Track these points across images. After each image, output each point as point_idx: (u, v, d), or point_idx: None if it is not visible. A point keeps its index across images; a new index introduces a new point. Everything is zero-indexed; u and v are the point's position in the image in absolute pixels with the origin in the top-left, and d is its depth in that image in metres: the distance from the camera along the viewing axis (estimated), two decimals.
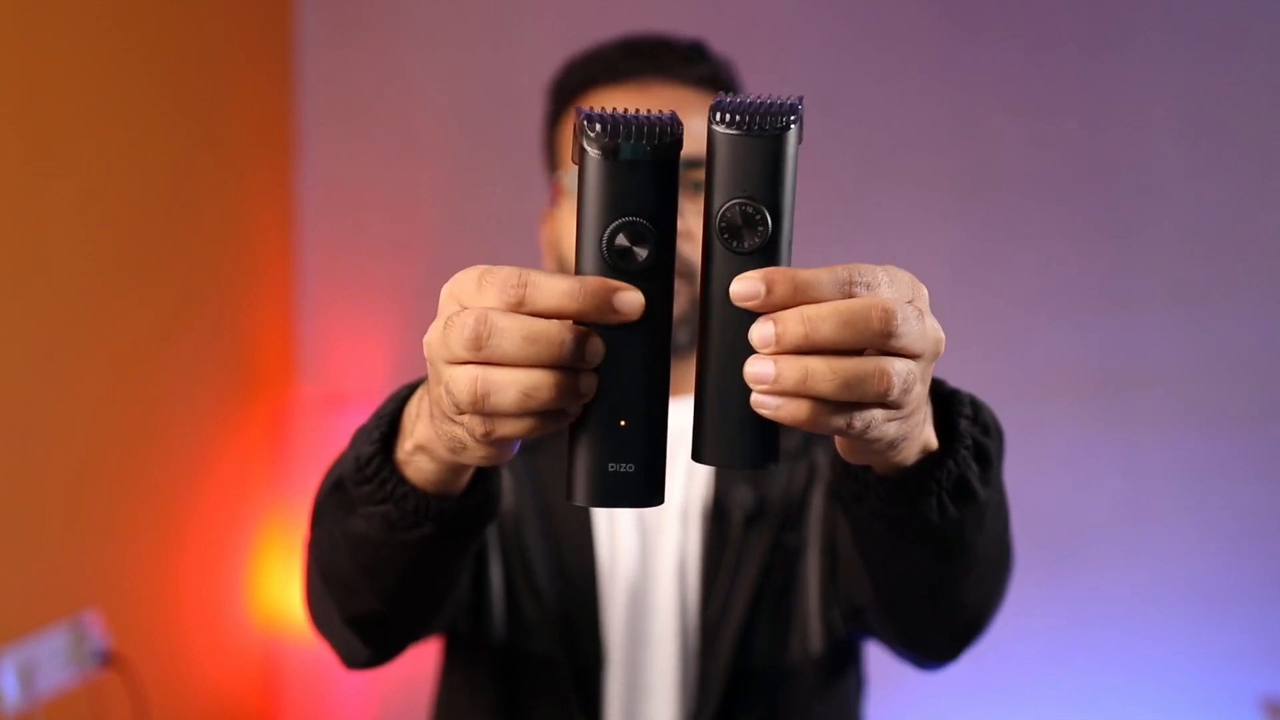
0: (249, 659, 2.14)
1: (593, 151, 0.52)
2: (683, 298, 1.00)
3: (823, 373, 0.51)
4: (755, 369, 0.52)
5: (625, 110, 0.53)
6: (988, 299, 2.10)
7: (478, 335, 0.51)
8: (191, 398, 1.96)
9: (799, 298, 0.51)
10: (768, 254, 0.53)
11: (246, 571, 2.11)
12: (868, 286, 0.52)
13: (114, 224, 1.75)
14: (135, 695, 1.69)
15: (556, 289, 0.51)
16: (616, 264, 0.52)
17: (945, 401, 0.67)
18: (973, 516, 0.67)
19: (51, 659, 1.56)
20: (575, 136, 0.53)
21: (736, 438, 0.54)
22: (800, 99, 0.53)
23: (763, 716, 0.99)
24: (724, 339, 0.53)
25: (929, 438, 0.64)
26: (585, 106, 0.53)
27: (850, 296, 0.52)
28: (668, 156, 0.52)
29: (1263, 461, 2.05)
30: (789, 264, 0.53)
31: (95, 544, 1.71)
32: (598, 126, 0.51)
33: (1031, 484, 1.97)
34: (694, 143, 1.01)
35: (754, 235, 0.52)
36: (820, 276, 0.51)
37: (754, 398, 0.52)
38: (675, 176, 0.52)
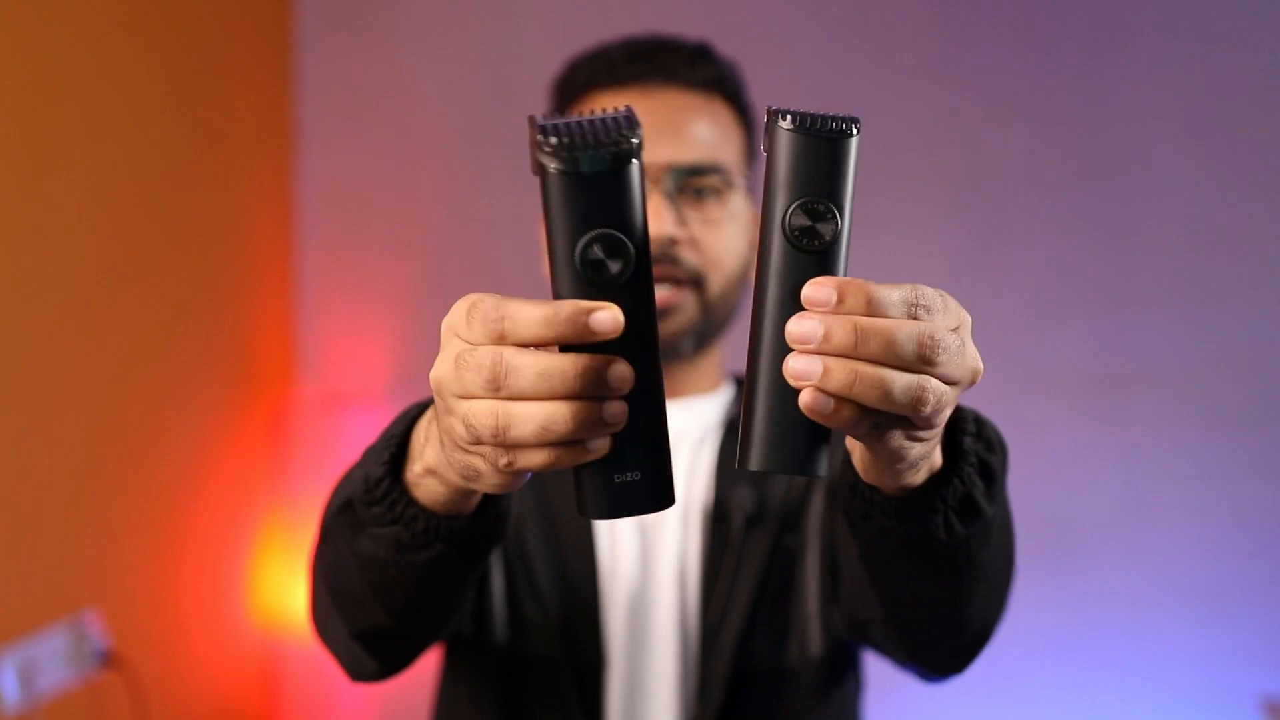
0: (249, 659, 2.14)
1: (551, 166, 0.50)
2: (689, 307, 1.00)
3: (870, 379, 0.51)
4: (801, 365, 0.52)
5: (580, 116, 0.51)
6: (987, 299, 2.10)
7: (495, 376, 0.51)
8: (191, 398, 1.96)
9: (869, 311, 0.52)
10: (833, 253, 0.53)
11: (246, 571, 2.11)
12: (928, 311, 0.53)
13: (114, 224, 1.75)
14: (135, 695, 1.69)
15: (534, 318, 0.51)
16: (592, 278, 0.51)
17: (949, 419, 0.67)
18: (979, 533, 0.67)
19: (51, 659, 1.56)
20: (531, 149, 0.51)
21: (791, 442, 0.54)
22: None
23: (762, 719, 0.99)
24: (783, 340, 0.53)
25: (935, 457, 0.64)
26: (538, 116, 0.52)
27: (913, 319, 0.52)
28: (629, 160, 0.51)
29: (1263, 461, 2.05)
30: (848, 265, 0.54)
31: (95, 544, 1.71)
32: (553, 140, 0.50)
33: (1031, 484, 1.97)
34: (695, 149, 1.01)
35: (824, 233, 0.53)
36: (891, 296, 0.52)
37: (806, 399, 0.52)
38: (640, 179, 0.52)
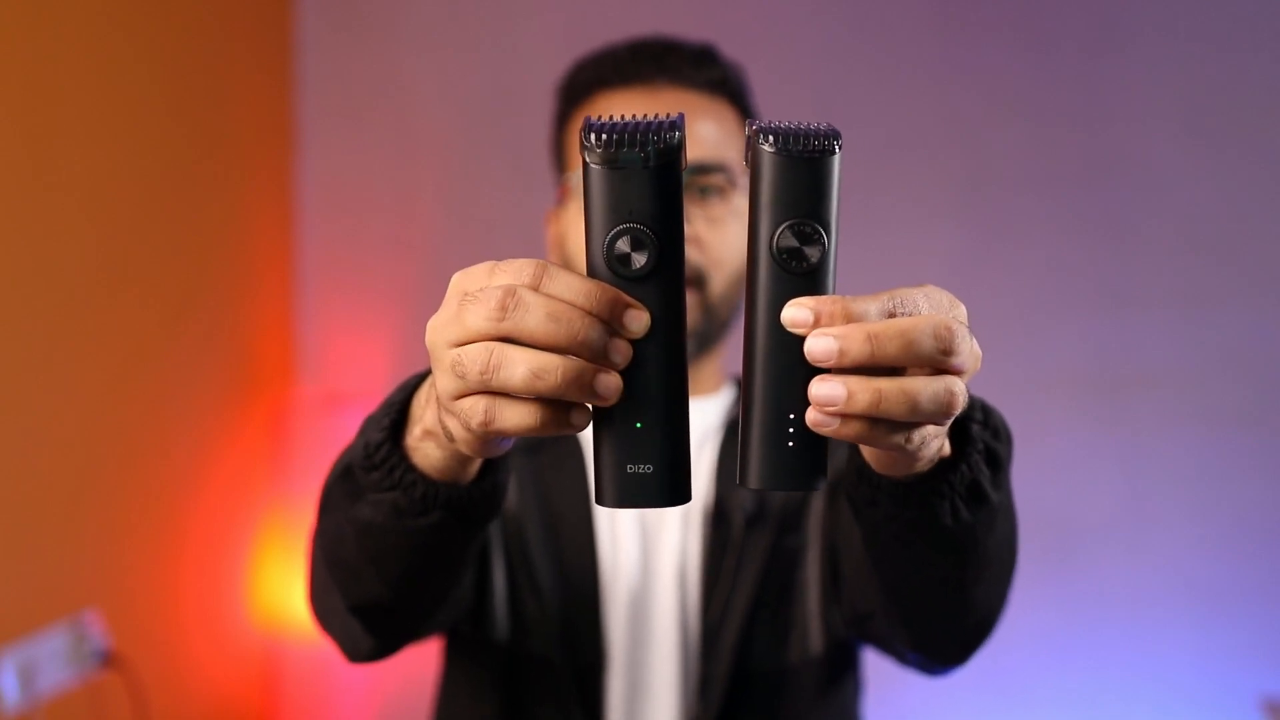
0: (249, 659, 2.14)
1: (593, 161, 0.52)
2: (690, 307, 1.00)
3: (895, 395, 0.51)
4: (824, 391, 0.52)
5: (627, 117, 0.53)
6: (987, 299, 2.10)
7: (503, 304, 0.51)
8: (191, 398, 1.96)
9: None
10: (821, 274, 0.53)
11: (246, 571, 2.11)
12: (910, 315, 0.53)
13: (114, 224, 1.75)
14: (135, 695, 1.69)
15: (572, 284, 0.52)
16: (618, 270, 0.52)
17: None
18: (985, 519, 0.68)
19: (51, 659, 1.56)
20: (580, 147, 0.53)
21: (788, 460, 0.54)
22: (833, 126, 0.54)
23: (763, 719, 0.99)
24: (778, 361, 0.53)
25: (943, 443, 0.64)
26: (592, 114, 0.53)
27: None
28: (668, 161, 0.52)
29: (1263, 461, 2.05)
30: (835, 284, 0.54)
31: (95, 544, 1.71)
32: (593, 136, 0.52)
33: (1031, 484, 1.96)
34: (699, 148, 1.01)
35: (813, 255, 0.53)
36: (869, 306, 0.52)
37: (813, 416, 0.52)
38: (677, 180, 0.53)
